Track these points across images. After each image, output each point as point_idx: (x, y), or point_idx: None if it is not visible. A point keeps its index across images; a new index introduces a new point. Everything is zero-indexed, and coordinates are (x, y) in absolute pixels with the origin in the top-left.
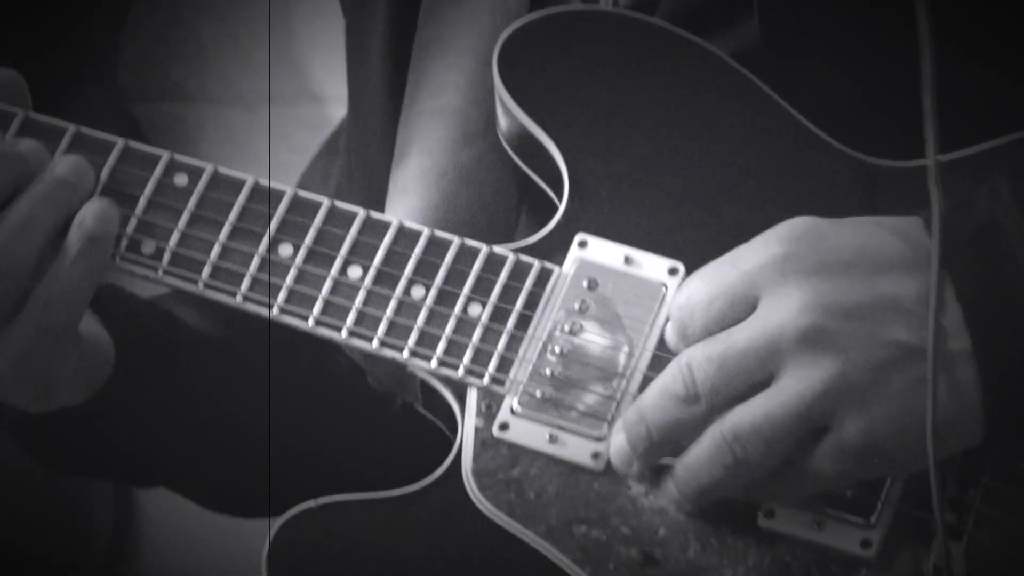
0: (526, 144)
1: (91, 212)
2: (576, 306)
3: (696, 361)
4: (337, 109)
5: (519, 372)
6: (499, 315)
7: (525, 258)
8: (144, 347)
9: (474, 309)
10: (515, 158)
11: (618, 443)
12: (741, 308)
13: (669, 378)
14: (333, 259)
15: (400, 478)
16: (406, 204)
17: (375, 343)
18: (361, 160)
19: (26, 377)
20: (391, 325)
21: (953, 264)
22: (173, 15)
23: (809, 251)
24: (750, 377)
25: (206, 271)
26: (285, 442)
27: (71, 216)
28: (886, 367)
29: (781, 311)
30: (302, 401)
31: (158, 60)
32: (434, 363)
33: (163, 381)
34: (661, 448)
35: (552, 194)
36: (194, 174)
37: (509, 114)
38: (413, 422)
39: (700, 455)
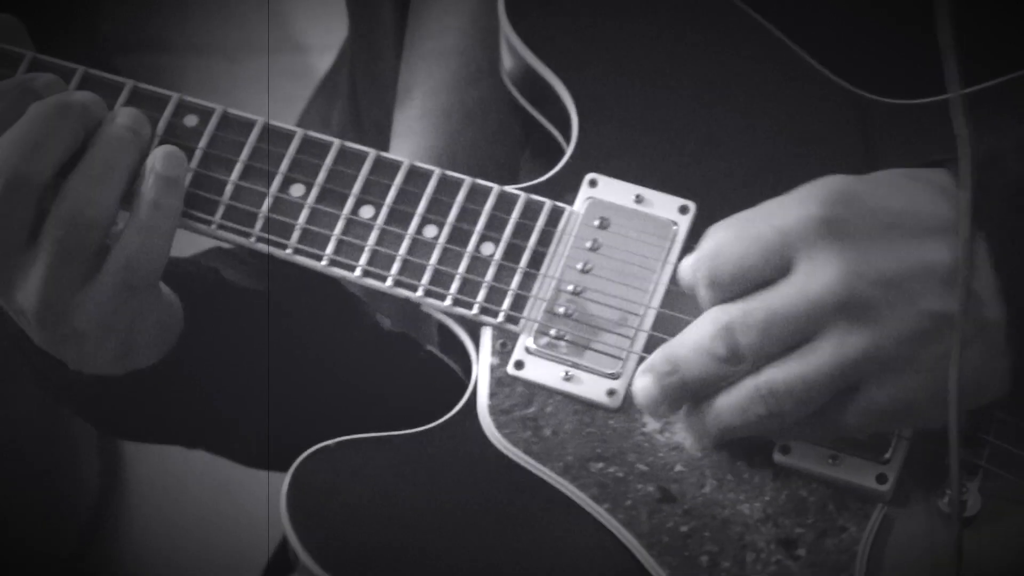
0: (532, 84)
1: (161, 155)
2: (588, 244)
3: (738, 326)
4: (319, 58)
5: (533, 310)
6: (512, 254)
7: (536, 197)
8: (203, 305)
9: (487, 248)
10: (519, 98)
11: (646, 388)
12: (774, 267)
13: (707, 338)
14: (345, 198)
15: (416, 419)
16: (410, 145)
17: (389, 281)
18: (371, 102)
19: (110, 336)
20: (404, 264)
21: (987, 225)
22: None
23: (847, 215)
24: (791, 341)
25: (219, 211)
26: (311, 388)
27: (137, 167)
28: (922, 337)
29: (822, 278)
30: (323, 346)
31: (139, 10)
32: (448, 301)
33: (221, 338)
34: (691, 396)
35: (557, 134)
36: (204, 114)
37: (515, 54)
38: (430, 364)
39: (732, 403)
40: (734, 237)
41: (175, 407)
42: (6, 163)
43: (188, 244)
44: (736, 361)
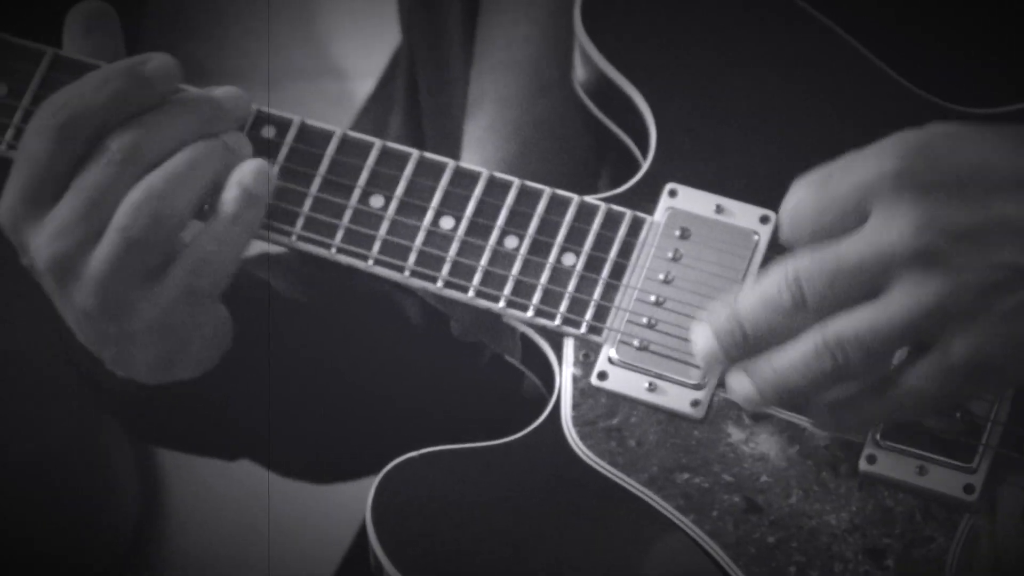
0: (607, 94)
1: (250, 169)
2: (669, 255)
3: (805, 275)
4: (359, 84)
5: (616, 321)
6: (593, 264)
7: (617, 207)
8: (253, 325)
9: (568, 259)
10: (593, 109)
11: (706, 341)
12: (851, 219)
13: (774, 288)
14: (425, 210)
15: (484, 429)
16: (482, 155)
17: (471, 292)
18: (435, 111)
19: (157, 343)
20: (486, 275)
21: None
22: None
23: (924, 167)
24: (860, 291)
25: (300, 223)
26: (368, 397)
27: (221, 177)
28: (997, 288)
29: (894, 229)
30: (381, 352)
31: (178, 38)
32: (531, 312)
33: (263, 351)
34: (752, 351)
35: (632, 144)
36: (282, 126)
37: (590, 64)
38: (499, 374)
39: (795, 358)
40: (813, 192)
41: (210, 420)
42: (129, 144)
43: None
44: (800, 311)
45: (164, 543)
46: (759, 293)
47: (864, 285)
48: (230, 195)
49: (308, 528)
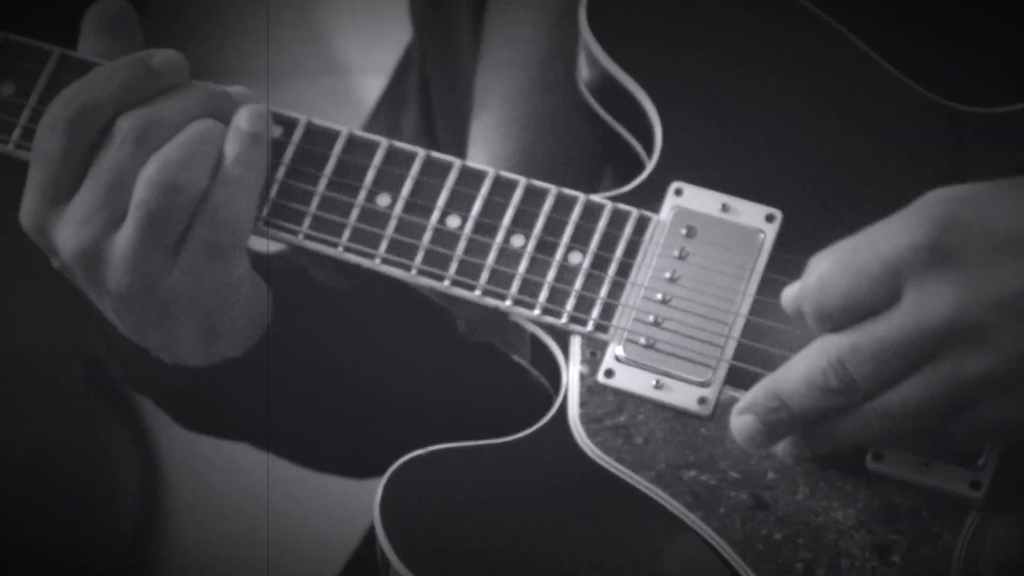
0: (612, 94)
1: (245, 113)
2: (675, 253)
3: (849, 357)
4: (361, 80)
5: (622, 319)
6: (599, 263)
7: (623, 206)
8: (292, 299)
9: (574, 257)
10: (597, 108)
11: (748, 424)
12: (882, 298)
13: (818, 372)
14: (431, 209)
15: (485, 427)
16: (487, 153)
17: (478, 291)
18: (447, 109)
19: (196, 311)
20: (493, 273)
21: None
22: None
23: (955, 241)
24: (903, 370)
25: (307, 222)
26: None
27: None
28: None
29: (932, 308)
30: (382, 350)
31: (178, 37)
32: (538, 311)
33: (308, 336)
34: (798, 427)
35: (636, 143)
36: (288, 125)
37: (595, 63)
38: (501, 372)
39: (848, 427)
40: (841, 269)
41: (256, 405)
42: (137, 125)
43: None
44: (850, 393)
45: (164, 543)
46: (803, 376)
47: (908, 364)
48: (231, 141)
49: (308, 529)
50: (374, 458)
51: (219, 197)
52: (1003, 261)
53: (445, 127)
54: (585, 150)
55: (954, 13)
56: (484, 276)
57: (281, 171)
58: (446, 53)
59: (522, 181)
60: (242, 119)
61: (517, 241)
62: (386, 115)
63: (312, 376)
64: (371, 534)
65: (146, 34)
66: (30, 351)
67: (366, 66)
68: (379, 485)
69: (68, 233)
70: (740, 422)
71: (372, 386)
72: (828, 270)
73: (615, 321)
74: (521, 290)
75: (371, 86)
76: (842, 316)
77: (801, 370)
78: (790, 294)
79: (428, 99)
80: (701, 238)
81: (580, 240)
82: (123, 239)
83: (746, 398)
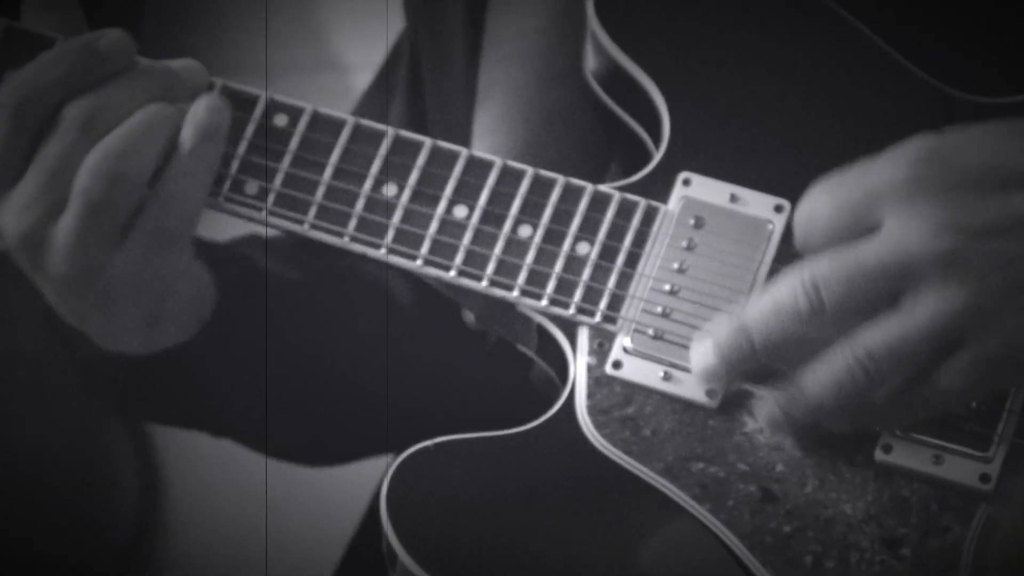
0: (619, 83)
1: (203, 106)
2: (683, 244)
3: (823, 278)
4: (358, 77)
5: (630, 310)
6: (607, 253)
7: (630, 196)
8: (236, 287)
9: (582, 248)
10: (605, 98)
11: (703, 355)
12: (864, 228)
13: (787, 294)
14: (438, 198)
15: (486, 419)
16: (492, 145)
17: (485, 282)
18: (438, 102)
19: (138, 299)
20: (500, 264)
21: None
22: None
23: (938, 173)
24: (878, 296)
25: (312, 211)
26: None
27: (177, 123)
28: (1020, 284)
29: (912, 232)
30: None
31: (177, 33)
32: (545, 301)
33: (251, 326)
34: (758, 361)
35: (643, 133)
36: (294, 114)
37: (602, 52)
38: (503, 363)
39: (827, 377)
40: (827, 201)
41: (201, 388)
42: (84, 111)
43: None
44: (817, 317)
45: (163, 543)
46: (771, 301)
47: (883, 289)
48: (187, 132)
49: (307, 528)
50: (332, 445)
51: (170, 189)
52: (984, 190)
53: (436, 119)
54: (590, 142)
55: (960, 4)
56: (491, 266)
57: (286, 160)
58: (439, 45)
59: (529, 171)
60: (200, 111)
61: (524, 231)
62: (373, 106)
63: (258, 365)
64: (365, 526)
65: (144, 30)
66: (29, 351)
67: (363, 63)
68: (385, 477)
69: (10, 217)
70: (698, 352)
71: (321, 373)
72: (815, 198)
73: (623, 312)
74: (528, 280)
75: (368, 83)
76: (825, 243)
77: (770, 294)
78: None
79: (417, 91)
80: (709, 228)
81: (588, 230)
82: (64, 226)
83: (709, 324)
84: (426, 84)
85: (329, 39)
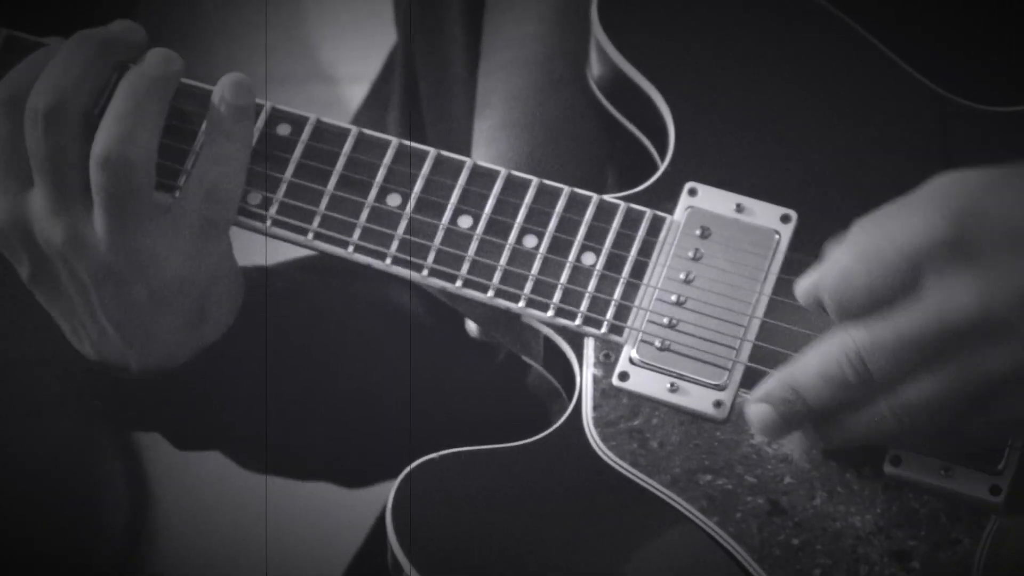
0: (623, 92)
1: (229, 84)
2: (690, 254)
3: (867, 351)
4: (349, 89)
5: (636, 321)
6: (613, 264)
7: (636, 206)
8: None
9: (588, 258)
10: (609, 106)
11: (763, 414)
12: (902, 290)
13: (835, 364)
14: (443, 208)
15: (490, 431)
16: (492, 154)
17: (490, 292)
18: (437, 112)
19: (187, 289)
20: (506, 274)
21: None
22: (180, 2)
23: (976, 231)
24: (922, 364)
25: (316, 221)
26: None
27: (166, 103)
28: None
29: (954, 301)
30: (384, 357)
31: (168, 42)
32: (551, 312)
33: (254, 344)
34: (814, 419)
35: (647, 142)
36: (297, 124)
37: (606, 60)
38: (506, 375)
39: (864, 421)
40: (864, 264)
41: (229, 405)
42: (39, 97)
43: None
44: (866, 387)
45: (154, 559)
46: (819, 369)
47: (928, 359)
48: (217, 114)
49: (308, 544)
50: (357, 469)
51: (211, 176)
52: (1021, 247)
53: (434, 128)
54: (590, 150)
55: (966, 13)
56: (497, 277)
57: (290, 170)
58: (436, 54)
59: (535, 181)
60: (226, 90)
61: (530, 241)
62: (369, 118)
63: (262, 383)
64: (370, 541)
65: None
66: (20, 364)
67: (354, 75)
68: (391, 489)
69: (46, 227)
70: (756, 411)
71: (333, 391)
72: (846, 263)
73: (629, 323)
74: (534, 291)
75: (359, 95)
76: (861, 308)
77: (817, 362)
78: (805, 285)
79: (413, 101)
80: (716, 239)
81: (594, 240)
82: (100, 223)
83: (762, 387)
84: (422, 95)
85: (321, 51)
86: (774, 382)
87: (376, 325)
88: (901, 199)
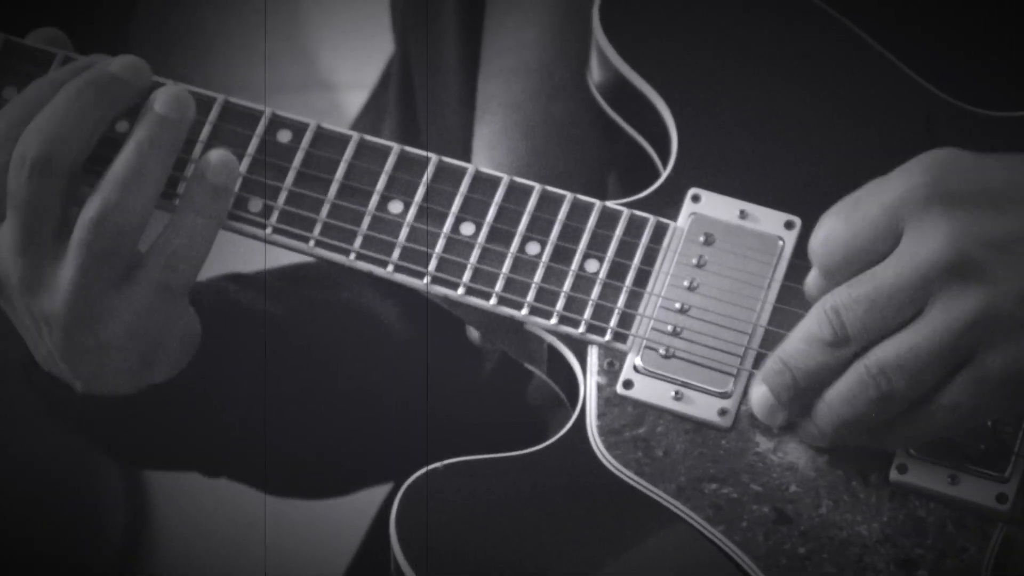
0: (625, 97)
1: (213, 160)
2: (693, 261)
3: (843, 305)
4: (347, 96)
5: (640, 328)
6: (616, 271)
7: (640, 213)
8: (216, 319)
9: (591, 265)
10: (610, 111)
11: (760, 395)
12: (885, 242)
13: (815, 324)
14: (445, 216)
15: (487, 440)
16: (493, 159)
17: (493, 300)
18: (434, 120)
19: (135, 345)
20: (508, 282)
21: None
22: (178, 7)
23: (954, 180)
24: (901, 315)
25: (317, 228)
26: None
27: (172, 163)
28: None
29: (927, 243)
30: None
31: (164, 52)
32: (554, 320)
33: (235, 356)
34: (807, 394)
35: (648, 147)
36: (297, 130)
37: (608, 66)
38: (502, 383)
39: (843, 390)
40: (844, 219)
41: (189, 427)
42: (30, 144)
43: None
44: (842, 342)
45: (153, 558)
46: (800, 332)
47: (904, 307)
48: (193, 189)
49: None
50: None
51: (177, 243)
52: (1001, 203)
53: (433, 137)
54: (590, 157)
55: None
56: (499, 284)
57: (290, 177)
58: (432, 62)
59: (537, 187)
60: (211, 168)
61: (532, 249)
62: (365, 127)
63: (250, 395)
64: (363, 551)
65: (132, 49)
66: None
67: (352, 82)
68: (395, 500)
69: (8, 260)
70: (755, 394)
71: (313, 403)
72: (831, 222)
73: (633, 331)
74: (537, 299)
75: (357, 102)
76: (846, 267)
77: (801, 327)
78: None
79: (409, 110)
80: (719, 246)
81: (597, 248)
82: (63, 272)
83: (760, 370)
84: (419, 103)
85: (318, 59)
86: (768, 359)
87: (353, 334)
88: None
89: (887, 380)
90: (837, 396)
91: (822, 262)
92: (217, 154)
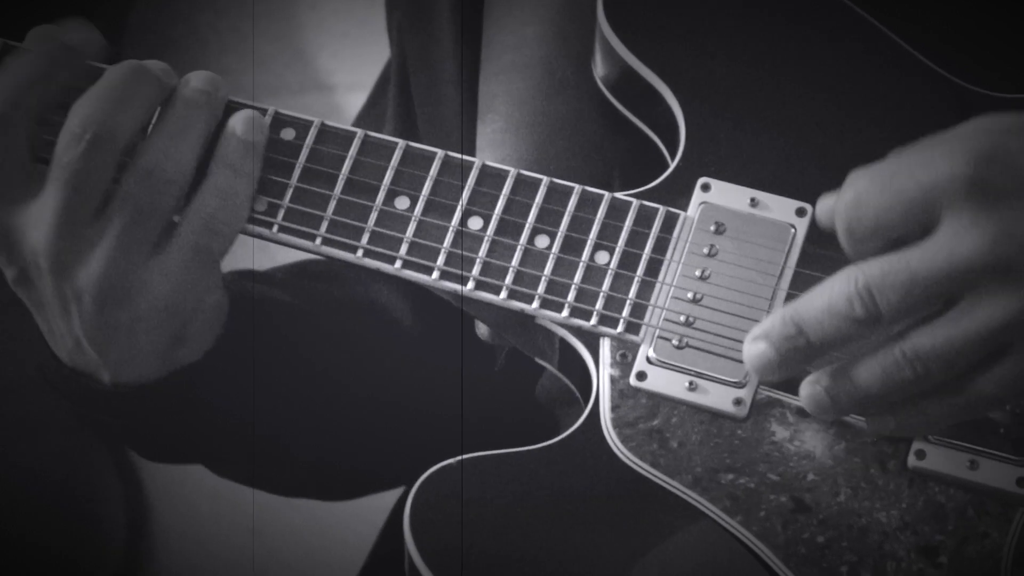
0: (632, 88)
1: (241, 119)
2: (705, 251)
3: (877, 286)
4: (344, 98)
5: (653, 319)
6: (627, 262)
7: (649, 203)
8: (238, 305)
9: (601, 257)
10: (617, 103)
11: (760, 352)
12: (916, 224)
13: (843, 298)
14: (453, 210)
15: (497, 435)
16: (497, 156)
17: (503, 293)
18: (430, 121)
19: (168, 316)
20: (518, 275)
21: None
22: (174, 10)
23: (996, 175)
24: (934, 305)
25: (324, 225)
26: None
27: (212, 128)
28: None
29: (967, 241)
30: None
31: (158, 54)
32: (566, 312)
33: (244, 355)
34: (813, 359)
35: (656, 138)
36: (301, 128)
37: (613, 57)
38: (512, 378)
39: (875, 368)
40: (878, 189)
41: (209, 416)
42: (91, 117)
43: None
44: (873, 323)
45: (152, 564)
46: (826, 302)
47: (938, 295)
48: (227, 147)
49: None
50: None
51: (212, 206)
52: None
53: (433, 137)
54: (596, 149)
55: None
56: (509, 278)
57: (296, 174)
58: (429, 64)
59: (545, 180)
60: (238, 125)
61: (542, 241)
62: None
63: (266, 397)
64: (378, 550)
65: (126, 51)
66: (17, 380)
67: (348, 84)
68: (408, 497)
69: (38, 233)
70: (754, 349)
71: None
72: (865, 188)
73: (646, 321)
74: (547, 291)
75: (354, 104)
76: (872, 237)
77: (824, 296)
78: (825, 206)
79: (407, 113)
80: (731, 234)
81: (607, 239)
82: (104, 236)
83: (762, 324)
84: (416, 106)
85: (315, 61)
86: (775, 318)
87: (363, 331)
88: (932, 137)
89: (923, 366)
90: (868, 374)
91: (848, 225)
92: (245, 112)
